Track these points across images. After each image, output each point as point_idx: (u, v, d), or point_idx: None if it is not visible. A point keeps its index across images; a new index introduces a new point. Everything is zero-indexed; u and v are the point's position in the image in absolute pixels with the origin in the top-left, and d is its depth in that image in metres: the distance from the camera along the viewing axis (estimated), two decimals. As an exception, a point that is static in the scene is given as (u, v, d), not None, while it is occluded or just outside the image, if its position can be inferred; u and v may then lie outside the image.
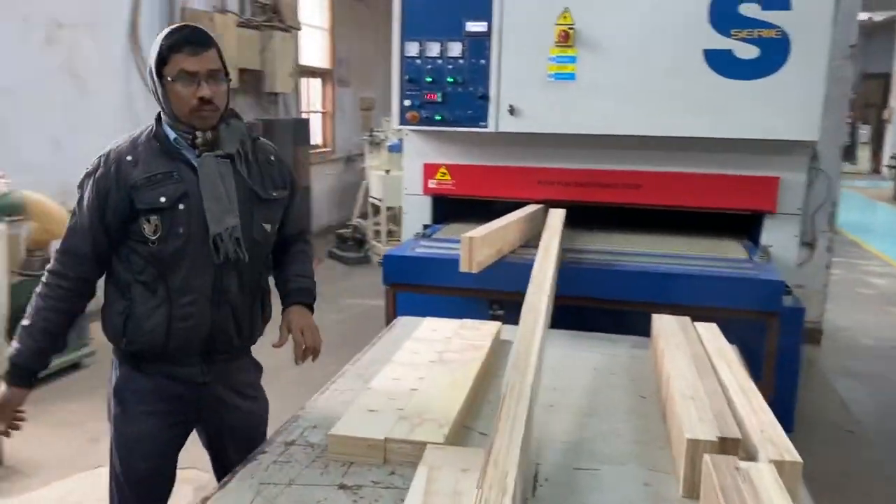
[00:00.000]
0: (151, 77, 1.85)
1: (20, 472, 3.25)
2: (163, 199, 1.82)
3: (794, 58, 2.91)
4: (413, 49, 3.37)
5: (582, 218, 3.44)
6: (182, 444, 2.04)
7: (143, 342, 1.87)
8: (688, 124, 3.11)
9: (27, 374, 1.86)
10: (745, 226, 3.42)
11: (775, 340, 2.59)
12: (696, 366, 1.78)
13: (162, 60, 1.82)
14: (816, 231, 4.74)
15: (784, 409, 2.74)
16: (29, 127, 5.04)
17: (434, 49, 3.34)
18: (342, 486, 1.43)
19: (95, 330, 5.28)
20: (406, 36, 3.38)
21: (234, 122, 1.95)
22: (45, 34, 5.10)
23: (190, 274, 1.86)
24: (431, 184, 3.60)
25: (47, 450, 3.48)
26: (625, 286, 2.75)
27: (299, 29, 8.72)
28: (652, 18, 3.07)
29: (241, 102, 7.66)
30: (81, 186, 1.93)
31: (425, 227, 3.59)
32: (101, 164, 1.90)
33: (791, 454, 1.33)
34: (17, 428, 1.88)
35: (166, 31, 1.85)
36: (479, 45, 3.28)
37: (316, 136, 9.97)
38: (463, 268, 2.58)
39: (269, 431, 1.95)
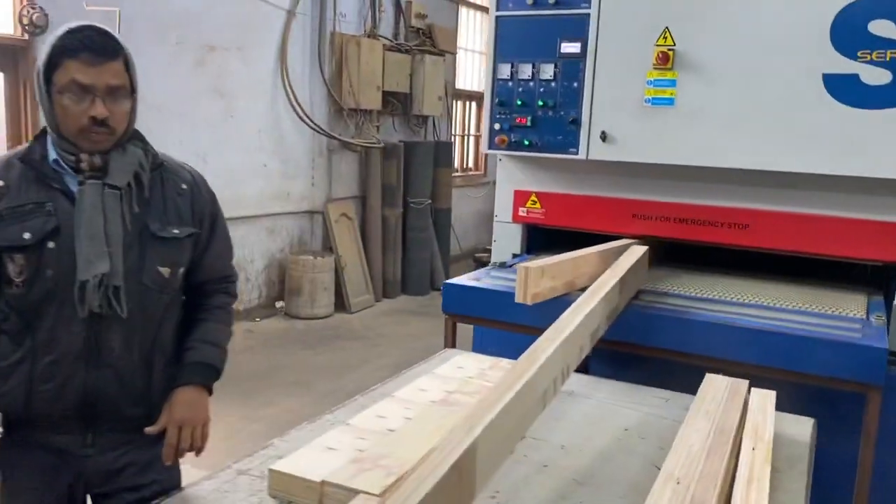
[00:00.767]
0: (38, 82, 1.57)
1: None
2: (27, 236, 1.54)
3: (933, 83, 2.44)
4: (505, 71, 3.23)
5: (680, 257, 3.12)
6: None
7: (3, 403, 1.60)
8: (803, 159, 2.71)
9: None
10: (879, 277, 2.93)
11: (876, 418, 2.15)
12: (711, 441, 1.49)
13: (52, 65, 1.53)
14: None
15: (886, 497, 2.29)
16: (176, 142, 5.46)
17: (526, 71, 3.19)
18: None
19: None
20: (499, 57, 3.25)
21: (131, 147, 1.65)
22: (196, 56, 5.52)
23: (57, 326, 1.56)
24: (521, 212, 3.43)
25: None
26: (694, 338, 2.42)
27: (454, 53, 8.85)
28: (763, 38, 2.72)
29: (388, 124, 7.87)
30: None
31: (514, 256, 3.44)
32: None
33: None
34: None
35: (65, 28, 1.58)
36: (572, 67, 3.08)
37: (469, 159, 10.04)
38: (518, 298, 2.43)
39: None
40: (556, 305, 2.44)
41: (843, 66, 2.59)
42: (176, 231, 1.70)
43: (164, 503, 1.44)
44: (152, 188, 1.68)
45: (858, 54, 2.57)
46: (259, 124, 6.23)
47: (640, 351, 2.53)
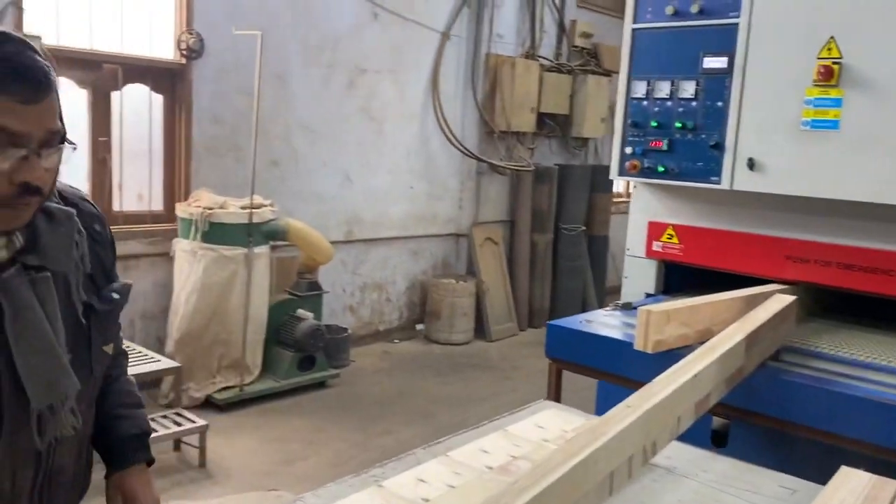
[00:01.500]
0: None
1: (212, 477, 3.50)
2: None
3: None
4: (640, 89, 2.92)
5: (840, 309, 2.63)
6: None
7: None
8: None
9: None
10: None
11: None
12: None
13: None
14: None
15: None
16: (324, 161, 5.59)
17: (663, 89, 2.85)
18: None
19: (354, 355, 5.65)
20: (634, 74, 2.94)
21: (57, 208, 1.19)
22: (346, 79, 5.63)
23: (7, 456, 1.16)
24: (656, 246, 3.07)
25: (246, 461, 3.70)
26: (841, 416, 1.96)
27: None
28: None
29: (544, 147, 7.64)
30: None
31: (647, 296, 3.08)
32: None
33: None
34: None
35: None
36: (716, 85, 2.70)
37: (632, 184, 9.52)
38: (638, 345, 2.15)
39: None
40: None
41: None
42: (115, 295, 1.31)
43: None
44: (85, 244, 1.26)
45: None
46: (408, 146, 6.24)
47: (772, 423, 2.11)
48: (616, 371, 2.42)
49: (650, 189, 3.05)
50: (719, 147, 2.67)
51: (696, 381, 1.77)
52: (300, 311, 4.78)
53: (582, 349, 2.52)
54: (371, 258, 6.10)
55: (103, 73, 4.37)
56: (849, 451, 2.03)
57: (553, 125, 7.69)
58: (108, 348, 1.32)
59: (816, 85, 2.44)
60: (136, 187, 4.68)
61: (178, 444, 3.78)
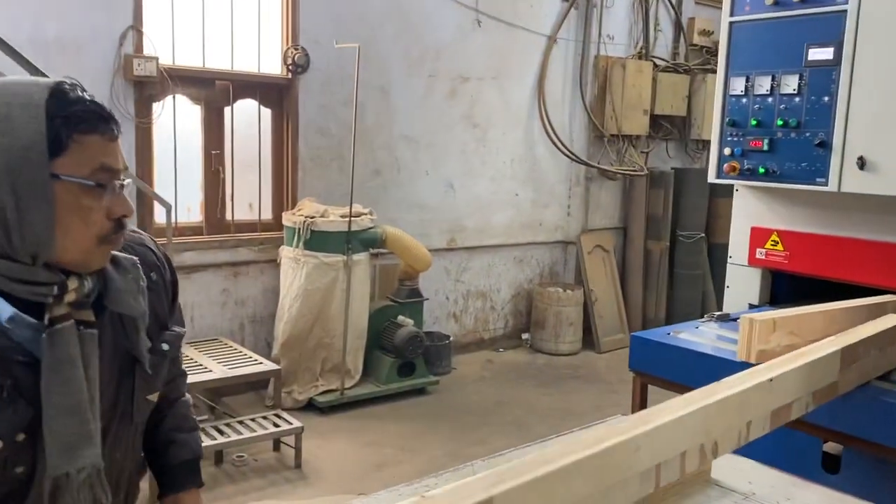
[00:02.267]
0: (8, 181, 1.03)
1: (307, 478, 3.59)
2: None
3: None
4: (738, 85, 2.74)
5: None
6: None
7: None
8: None
9: None
10: None
11: None
12: None
13: (57, 146, 1.04)
14: None
15: None
16: (426, 170, 5.64)
17: (764, 84, 2.66)
18: None
19: (456, 362, 5.64)
20: (732, 70, 2.76)
21: (123, 256, 1.20)
22: (448, 87, 5.65)
23: None
24: (759, 253, 2.87)
25: (340, 464, 3.77)
26: None
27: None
28: None
29: (660, 150, 7.36)
30: None
31: (751, 307, 2.88)
32: None
33: None
34: None
35: (24, 95, 1.05)
36: (822, 78, 2.49)
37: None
38: (740, 356, 2.03)
39: None
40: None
41: None
42: (164, 346, 1.29)
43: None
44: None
45: None
46: (512, 153, 6.19)
47: (876, 451, 1.90)
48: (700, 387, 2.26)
49: (752, 192, 2.86)
50: (826, 146, 2.46)
51: (773, 386, 1.61)
52: (400, 318, 4.84)
53: (666, 362, 2.38)
54: (474, 266, 6.08)
55: (215, 90, 4.62)
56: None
57: (669, 127, 7.39)
58: (153, 397, 1.29)
59: (937, 73, 2.19)
60: (247, 197, 4.91)
61: (277, 444, 3.92)
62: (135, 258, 1.23)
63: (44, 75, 2.88)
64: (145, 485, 1.51)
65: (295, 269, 4.50)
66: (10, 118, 1.03)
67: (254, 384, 4.56)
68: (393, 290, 5.10)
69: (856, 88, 2.37)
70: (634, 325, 6.95)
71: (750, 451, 1.89)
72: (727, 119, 2.75)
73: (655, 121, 7.12)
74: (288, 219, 4.63)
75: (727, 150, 2.77)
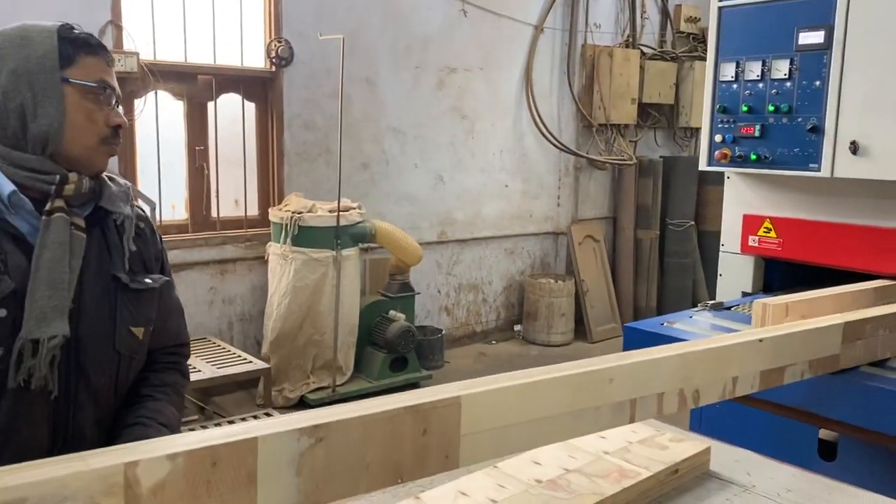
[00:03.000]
0: (34, 80, 1.27)
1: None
2: None
3: None
4: (728, 71, 2.70)
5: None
6: None
7: None
8: None
9: None
10: None
11: None
12: None
13: (67, 59, 1.29)
14: None
15: None
16: (415, 163, 5.59)
17: (754, 70, 2.62)
18: None
19: (449, 356, 5.61)
20: (722, 55, 2.73)
21: (115, 179, 1.42)
22: (436, 78, 5.60)
23: (15, 415, 1.24)
24: (752, 241, 2.84)
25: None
26: None
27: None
28: None
29: (649, 139, 7.33)
30: None
31: (744, 295, 2.86)
32: None
33: None
34: None
35: (40, 24, 1.32)
36: (813, 62, 2.46)
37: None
38: None
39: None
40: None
41: None
42: (148, 280, 1.42)
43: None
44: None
45: None
46: (501, 144, 6.14)
47: (870, 438, 1.88)
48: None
49: (744, 179, 2.83)
50: (818, 131, 2.42)
51: (764, 347, 1.63)
52: (392, 313, 4.79)
53: (660, 354, 2.35)
54: (465, 259, 6.04)
55: (198, 85, 4.55)
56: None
57: (657, 115, 7.36)
58: (138, 332, 1.40)
59: (929, 55, 2.16)
60: (232, 193, 4.85)
61: (269, 443, 3.86)
62: (129, 183, 1.48)
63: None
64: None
65: (283, 266, 4.45)
66: (28, 37, 1.30)
67: (244, 383, 4.51)
68: (384, 284, 5.05)
69: (847, 72, 2.34)
70: (626, 314, 6.94)
71: (747, 441, 1.88)
72: (718, 105, 2.72)
73: (643, 109, 7.09)
74: (275, 215, 4.57)
75: (718, 137, 2.73)
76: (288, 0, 4.76)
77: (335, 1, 4.97)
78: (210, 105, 4.66)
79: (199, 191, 4.67)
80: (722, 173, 2.91)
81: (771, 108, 2.55)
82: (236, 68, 4.73)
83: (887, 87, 2.25)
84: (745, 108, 2.62)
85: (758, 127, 2.59)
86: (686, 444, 1.71)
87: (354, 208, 4.60)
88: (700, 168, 2.86)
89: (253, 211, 4.93)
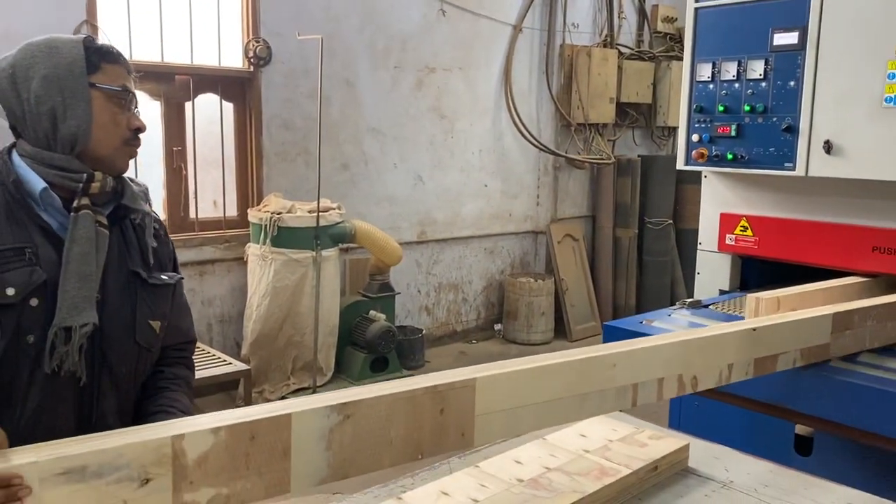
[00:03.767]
0: (63, 86, 1.36)
1: (280, 480, 3.52)
2: (10, 292, 1.27)
3: None
4: (705, 71, 2.73)
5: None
6: None
7: None
8: None
9: None
10: None
11: None
12: None
13: (93, 66, 1.39)
14: None
15: None
16: (395, 163, 5.58)
17: (730, 70, 2.65)
18: None
19: (429, 355, 5.61)
20: (698, 56, 2.76)
21: (135, 182, 1.54)
22: (415, 78, 5.60)
23: (43, 402, 1.33)
24: (729, 239, 2.87)
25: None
26: None
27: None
28: None
29: (627, 138, 7.39)
30: None
31: (722, 293, 2.89)
32: None
33: None
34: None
35: (65, 36, 1.44)
36: (788, 62, 2.49)
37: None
38: None
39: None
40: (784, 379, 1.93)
41: None
42: (164, 277, 1.52)
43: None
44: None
45: None
46: (480, 144, 6.15)
47: (839, 431, 1.92)
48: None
49: (720, 178, 2.86)
50: (792, 130, 2.46)
51: (757, 335, 1.70)
52: (372, 313, 4.79)
53: (640, 352, 2.37)
54: (445, 258, 6.05)
55: (175, 85, 4.51)
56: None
57: (635, 115, 7.42)
58: (156, 325, 1.49)
59: (901, 56, 2.20)
60: (211, 194, 4.81)
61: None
62: (147, 185, 1.59)
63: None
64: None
65: (262, 267, 4.42)
66: (56, 47, 1.40)
67: (224, 385, 4.47)
68: (364, 284, 5.04)
69: (821, 72, 2.38)
70: (605, 312, 6.98)
71: (726, 438, 1.91)
72: (695, 105, 2.75)
73: (621, 108, 7.14)
74: (254, 215, 4.54)
75: (695, 137, 2.76)
76: (266, 0, 4.74)
77: (313, 1, 4.95)
78: (188, 105, 4.62)
79: (177, 192, 4.63)
80: (699, 172, 2.94)
81: (747, 108, 2.58)
82: (214, 68, 4.70)
83: (859, 88, 2.28)
84: (721, 108, 2.65)
85: (734, 127, 2.62)
86: (665, 442, 1.74)
87: (334, 209, 4.59)
88: (678, 168, 2.89)
89: (232, 212, 4.89)
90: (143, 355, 1.48)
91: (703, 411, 2.45)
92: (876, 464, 2.04)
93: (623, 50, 7.10)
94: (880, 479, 2.01)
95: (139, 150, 1.50)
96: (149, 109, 4.48)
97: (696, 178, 3.02)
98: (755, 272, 2.88)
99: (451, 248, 6.05)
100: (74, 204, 1.36)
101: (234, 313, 4.80)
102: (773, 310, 2.03)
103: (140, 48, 4.39)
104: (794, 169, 2.46)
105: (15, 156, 1.41)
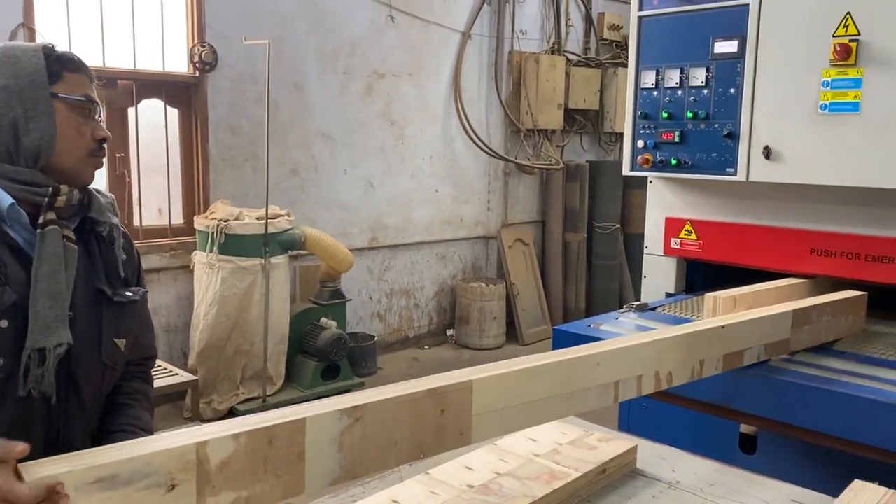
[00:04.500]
0: (25, 97, 1.32)
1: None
2: None
3: None
4: (649, 79, 2.78)
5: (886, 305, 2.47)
6: None
7: None
8: None
9: None
10: None
11: None
12: None
13: (54, 76, 1.34)
14: None
15: None
16: (345, 168, 5.55)
17: (673, 77, 2.71)
18: None
19: (382, 362, 5.57)
20: (642, 63, 2.81)
21: (101, 194, 1.48)
22: (364, 84, 5.57)
23: (13, 425, 1.26)
24: (674, 243, 2.93)
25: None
26: (849, 420, 1.82)
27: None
28: None
29: (575, 144, 7.48)
30: None
31: (668, 295, 2.94)
32: None
33: None
34: None
35: (24, 45, 1.40)
36: (728, 70, 2.56)
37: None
38: None
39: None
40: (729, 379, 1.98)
41: None
42: (129, 293, 1.47)
43: None
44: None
45: None
46: (431, 149, 6.16)
47: (780, 429, 1.99)
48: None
49: (665, 183, 2.92)
50: (733, 136, 2.53)
51: (726, 332, 1.77)
52: (323, 320, 4.74)
53: (590, 356, 2.40)
54: (397, 264, 6.03)
55: (117, 90, 4.40)
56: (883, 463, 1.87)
57: (583, 121, 7.52)
58: (121, 343, 1.45)
59: (834, 65, 2.28)
60: (156, 201, 4.70)
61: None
62: (113, 196, 1.55)
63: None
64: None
65: (210, 275, 4.34)
66: (16, 56, 1.35)
67: (170, 396, 4.38)
68: (314, 292, 4.99)
69: (759, 80, 2.45)
70: (556, 316, 7.05)
71: (673, 438, 1.94)
72: (639, 112, 2.79)
73: (570, 115, 7.23)
74: (200, 223, 4.45)
75: (640, 143, 2.81)
76: (211, 3, 4.66)
77: (260, 4, 4.89)
78: (131, 111, 4.51)
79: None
80: (646, 178, 2.99)
81: (689, 114, 2.63)
82: (158, 73, 4.59)
83: (796, 94, 2.35)
84: (665, 115, 2.70)
85: (677, 133, 2.68)
86: (613, 444, 1.76)
87: (283, 215, 4.53)
88: (623, 173, 2.93)
89: (177, 219, 4.79)
90: (108, 374, 1.45)
91: (651, 413, 2.49)
92: (818, 459, 2.10)
93: (570, 57, 7.20)
94: (823, 475, 2.07)
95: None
96: (90, 114, 4.35)
97: (643, 183, 3.07)
98: (700, 275, 2.95)
99: (402, 254, 6.04)
100: (41, 219, 1.32)
101: (180, 323, 4.70)
102: (730, 308, 2.09)
103: (80, 52, 4.24)
104: (735, 174, 2.52)
105: None
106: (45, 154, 1.34)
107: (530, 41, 6.88)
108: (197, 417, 3.97)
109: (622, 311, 2.70)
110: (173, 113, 4.72)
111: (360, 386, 4.94)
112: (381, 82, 5.67)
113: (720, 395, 2.06)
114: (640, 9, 2.77)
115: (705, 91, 2.61)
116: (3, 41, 3.78)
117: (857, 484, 1.43)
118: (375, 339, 5.51)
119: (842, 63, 2.26)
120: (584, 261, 7.32)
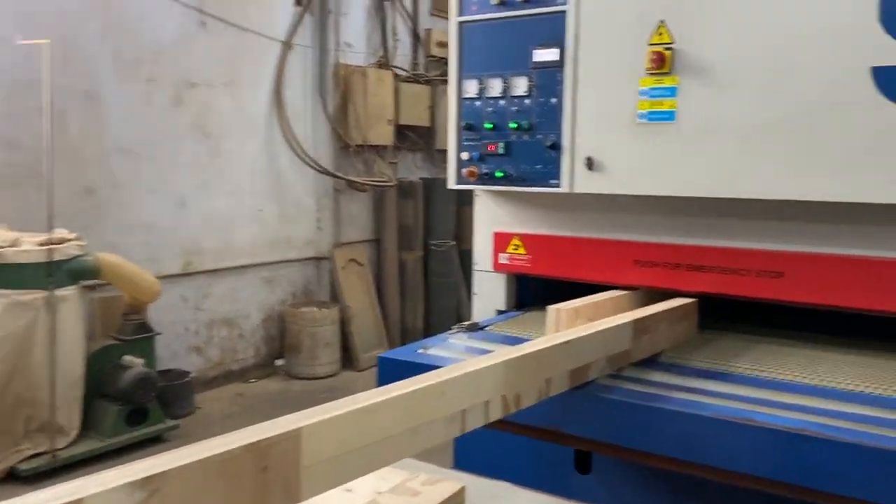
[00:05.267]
0: None
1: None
2: None
3: None
4: (471, 88, 2.63)
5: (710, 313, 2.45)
6: None
7: None
8: (850, 183, 2.00)
9: None
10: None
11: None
12: None
13: None
14: None
15: None
16: (151, 186, 5.02)
17: (496, 87, 2.57)
18: None
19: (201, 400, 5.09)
20: (464, 72, 2.66)
21: None
22: (172, 94, 5.09)
23: None
24: (503, 259, 2.79)
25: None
26: (684, 439, 1.73)
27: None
28: (789, 29, 2.04)
29: (408, 161, 7.35)
30: None
31: (499, 313, 2.79)
32: None
33: None
34: None
35: None
36: (549, 79, 2.45)
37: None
38: None
39: None
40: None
41: (903, 53, 1.88)
42: None
43: None
44: None
45: (923, 37, 1.86)
46: (252, 165, 5.75)
47: (610, 452, 1.88)
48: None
49: (492, 196, 2.78)
50: (556, 147, 2.42)
51: (570, 347, 1.72)
52: (126, 358, 4.20)
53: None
54: (217, 291, 5.54)
55: None
56: (721, 485, 1.80)
57: (415, 138, 7.42)
58: None
59: (650, 74, 2.22)
60: (-88, 228, 3.97)
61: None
62: None
63: None
64: None
65: (-20, 313, 3.69)
66: None
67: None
68: (117, 326, 4.42)
69: (580, 89, 2.36)
70: (394, 337, 6.85)
71: (510, 467, 1.80)
72: (463, 123, 2.65)
73: (401, 131, 7.11)
74: (-32, 252, 3.79)
75: (465, 155, 2.66)
76: (-21, -2, 4.03)
77: (40, 3, 4.29)
78: None
79: None
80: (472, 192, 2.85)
81: (513, 125, 2.51)
82: None
83: (615, 104, 2.29)
84: (488, 126, 2.57)
85: (502, 144, 2.55)
86: (440, 486, 1.57)
87: (72, 240, 3.96)
88: (448, 187, 2.76)
89: (-59, 248, 4.06)
90: None
91: (486, 445, 2.31)
92: (652, 479, 2.01)
93: (399, 72, 7.08)
94: (659, 494, 1.99)
95: None
96: None
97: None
98: (530, 291, 2.84)
99: (223, 280, 5.55)
100: None
101: (-53, 370, 3.97)
102: (572, 320, 2.04)
103: None
104: (559, 186, 2.42)
105: None
106: None
107: (357, 54, 6.68)
108: (-37, 484, 3.34)
109: (452, 331, 2.51)
110: (-67, 123, 4.02)
111: (174, 429, 4.44)
112: (192, 92, 5.20)
113: (549, 418, 1.92)
114: (461, 14, 2.62)
115: (527, 101, 2.49)
116: None
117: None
118: (192, 374, 5.00)
119: (657, 71, 2.21)
120: (422, 279, 7.20)
